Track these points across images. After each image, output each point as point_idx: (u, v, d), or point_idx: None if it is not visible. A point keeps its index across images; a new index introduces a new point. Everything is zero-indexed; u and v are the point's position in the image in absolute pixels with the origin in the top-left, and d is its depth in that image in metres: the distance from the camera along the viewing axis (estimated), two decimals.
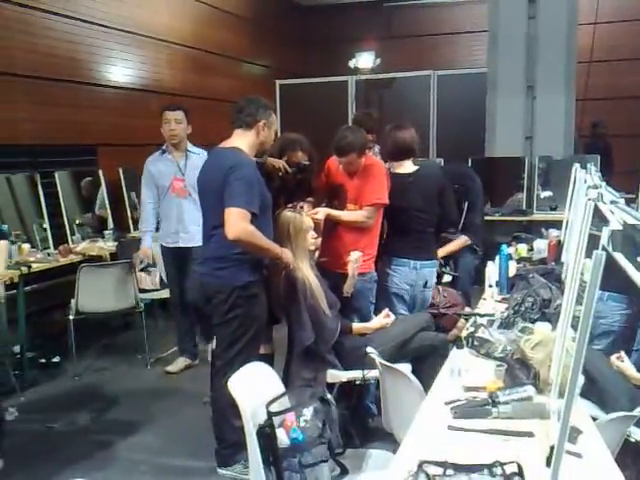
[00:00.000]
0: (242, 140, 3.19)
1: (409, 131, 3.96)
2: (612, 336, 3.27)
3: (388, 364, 2.73)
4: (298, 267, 3.28)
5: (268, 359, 3.36)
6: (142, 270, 5.11)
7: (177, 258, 4.85)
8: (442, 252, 4.61)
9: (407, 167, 3.96)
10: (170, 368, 4.98)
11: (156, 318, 6.07)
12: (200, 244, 4.15)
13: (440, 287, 4.32)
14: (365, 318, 3.71)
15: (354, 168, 3.74)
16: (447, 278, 4.56)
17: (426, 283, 3.93)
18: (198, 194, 3.42)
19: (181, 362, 5.05)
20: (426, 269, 3.91)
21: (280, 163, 3.56)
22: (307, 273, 3.28)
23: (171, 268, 4.98)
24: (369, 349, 2.97)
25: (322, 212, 3.62)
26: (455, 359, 2.60)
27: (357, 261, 3.55)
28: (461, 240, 4.84)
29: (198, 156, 4.76)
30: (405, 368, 2.77)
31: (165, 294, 5.50)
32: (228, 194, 2.99)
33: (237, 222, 2.97)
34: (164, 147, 4.89)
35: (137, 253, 5.01)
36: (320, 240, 3.60)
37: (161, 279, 5.59)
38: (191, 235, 4.69)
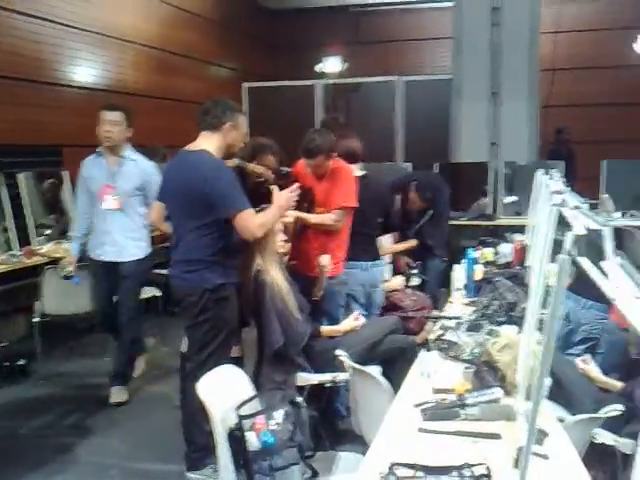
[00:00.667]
0: (209, 142, 3.17)
1: (353, 139, 4.16)
2: (589, 342, 3.34)
3: (358, 366, 2.75)
4: (267, 270, 3.26)
5: (238, 362, 3.36)
6: (66, 278, 4.52)
7: (106, 273, 4.43)
8: (389, 250, 4.78)
9: (355, 172, 4.01)
10: (112, 399, 4.46)
11: None
12: (133, 259, 4.29)
13: (408, 290, 4.40)
14: (335, 321, 3.72)
15: (322, 171, 3.76)
16: (416, 281, 4.62)
17: (376, 282, 4.06)
18: (164, 198, 3.38)
19: (117, 392, 4.50)
20: (375, 269, 4.06)
21: (262, 169, 3.59)
22: (276, 276, 3.27)
23: (98, 283, 4.54)
24: (339, 352, 2.98)
25: (291, 215, 3.62)
26: (424, 361, 2.63)
27: (327, 265, 3.57)
28: (410, 243, 5.03)
29: (134, 163, 4.39)
30: (375, 370, 2.79)
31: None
32: (222, 201, 3.02)
33: (251, 223, 3.06)
34: (99, 150, 4.43)
35: (63, 260, 4.67)
36: (289, 243, 3.61)
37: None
38: (119, 249, 4.36)
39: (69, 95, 6.38)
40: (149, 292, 5.65)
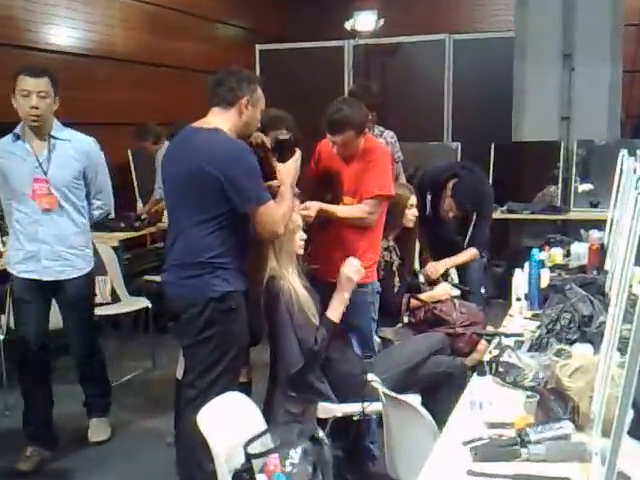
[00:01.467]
0: (222, 120, 3.20)
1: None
2: None
3: (394, 395, 2.75)
4: (282, 276, 3.28)
5: (245, 388, 3.39)
6: None
7: (40, 297, 4.10)
8: (451, 263, 4.83)
9: None
10: (20, 466, 4.09)
11: (106, 339, 6.03)
12: (80, 274, 4.13)
13: (457, 301, 4.38)
14: (365, 339, 3.74)
15: (351, 151, 3.75)
16: (454, 292, 4.61)
17: None
18: (164, 185, 3.43)
19: (30, 455, 4.14)
20: None
21: (259, 137, 3.57)
22: (294, 283, 3.29)
23: (26, 311, 4.13)
24: (370, 376, 2.99)
25: (313, 207, 3.61)
26: (475, 389, 2.61)
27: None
28: (471, 252, 5.00)
29: (69, 144, 4.02)
30: (414, 400, 2.81)
31: (118, 308, 5.54)
32: (243, 193, 3.08)
33: (274, 217, 3.13)
34: (18, 130, 4.00)
35: None
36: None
37: (113, 290, 5.60)
38: (61, 264, 4.04)
39: (45, 61, 6.43)
40: (137, 304, 5.72)
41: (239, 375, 3.35)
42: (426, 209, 4.94)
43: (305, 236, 3.47)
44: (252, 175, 3.11)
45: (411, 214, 4.28)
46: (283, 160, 3.39)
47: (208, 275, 3.15)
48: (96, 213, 4.23)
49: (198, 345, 3.21)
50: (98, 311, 5.47)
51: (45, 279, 4.03)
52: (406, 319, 4.30)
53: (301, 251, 3.48)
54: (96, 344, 4.47)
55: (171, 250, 3.28)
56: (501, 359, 2.81)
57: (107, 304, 5.62)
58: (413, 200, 4.30)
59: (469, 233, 5.00)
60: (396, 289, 4.26)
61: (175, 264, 3.24)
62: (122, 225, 6.30)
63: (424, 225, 4.71)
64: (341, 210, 3.76)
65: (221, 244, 3.14)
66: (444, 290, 4.48)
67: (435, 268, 4.71)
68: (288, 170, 3.30)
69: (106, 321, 5.91)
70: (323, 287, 3.58)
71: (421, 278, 4.67)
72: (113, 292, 5.64)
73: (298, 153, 3.38)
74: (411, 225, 4.30)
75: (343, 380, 3.35)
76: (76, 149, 4.04)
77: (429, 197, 5.02)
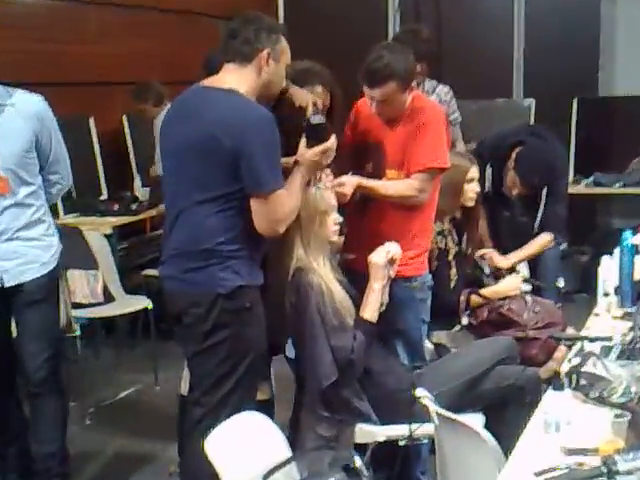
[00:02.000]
0: (238, 79, 3.18)
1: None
2: None
3: (449, 415, 2.74)
4: (312, 268, 3.30)
5: (265, 407, 3.38)
6: None
7: None
8: (523, 255, 4.77)
9: None
10: None
11: (98, 346, 6.13)
12: (43, 272, 3.85)
13: (529, 297, 4.35)
14: (414, 345, 3.75)
15: (394, 110, 3.71)
16: (525, 287, 4.57)
17: None
18: (162, 157, 3.42)
19: None
20: None
21: (309, 98, 3.52)
22: (326, 277, 3.31)
23: None
24: (420, 391, 2.98)
25: (349, 183, 3.57)
26: (551, 406, 2.60)
27: (397, 256, 3.50)
28: (544, 238, 4.90)
29: (12, 109, 3.81)
30: (475, 420, 2.82)
31: (113, 310, 5.59)
32: (255, 172, 3.06)
33: (280, 212, 3.12)
34: None
35: None
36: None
37: (106, 288, 5.63)
38: (20, 263, 3.83)
39: (18, 9, 6.46)
40: (135, 304, 5.73)
41: (256, 390, 3.35)
42: (485, 186, 4.89)
43: (341, 219, 3.47)
44: (270, 153, 3.09)
45: (471, 190, 4.25)
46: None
47: (215, 266, 3.13)
48: (54, 191, 4.06)
49: (205, 354, 3.20)
50: (88, 313, 5.55)
51: (7, 285, 3.82)
52: (465, 320, 4.27)
53: (335, 237, 3.48)
54: (58, 371, 4.05)
55: (169, 237, 3.29)
56: (584, 369, 2.78)
57: (99, 304, 5.64)
58: (474, 172, 4.27)
59: (539, 215, 4.94)
60: (453, 283, 4.25)
61: (174, 254, 3.25)
62: (116, 208, 6.28)
63: (483, 206, 4.68)
64: (384, 186, 3.71)
65: (231, 227, 3.12)
66: (514, 284, 4.45)
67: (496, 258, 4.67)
68: (307, 162, 3.26)
69: (99, 325, 5.98)
70: (361, 281, 3.53)
71: (485, 269, 4.62)
72: (106, 290, 5.66)
73: (332, 139, 3.29)
74: (471, 204, 4.28)
75: (387, 396, 3.36)
76: (23, 113, 3.82)
77: (489, 170, 4.98)
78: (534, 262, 5.02)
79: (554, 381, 2.82)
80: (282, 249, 3.32)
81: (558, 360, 3.76)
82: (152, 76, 7.06)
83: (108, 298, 5.65)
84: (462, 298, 4.26)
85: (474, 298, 4.30)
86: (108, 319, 5.84)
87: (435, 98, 5.56)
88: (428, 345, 4.07)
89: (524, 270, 4.87)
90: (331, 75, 3.85)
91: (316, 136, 3.32)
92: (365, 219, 3.80)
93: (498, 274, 4.62)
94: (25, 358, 3.92)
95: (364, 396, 3.34)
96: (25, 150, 3.79)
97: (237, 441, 2.46)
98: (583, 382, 2.72)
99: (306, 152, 3.26)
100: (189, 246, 3.19)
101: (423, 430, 3.10)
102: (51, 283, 3.95)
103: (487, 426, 3.05)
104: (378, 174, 3.78)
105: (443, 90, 5.87)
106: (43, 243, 3.89)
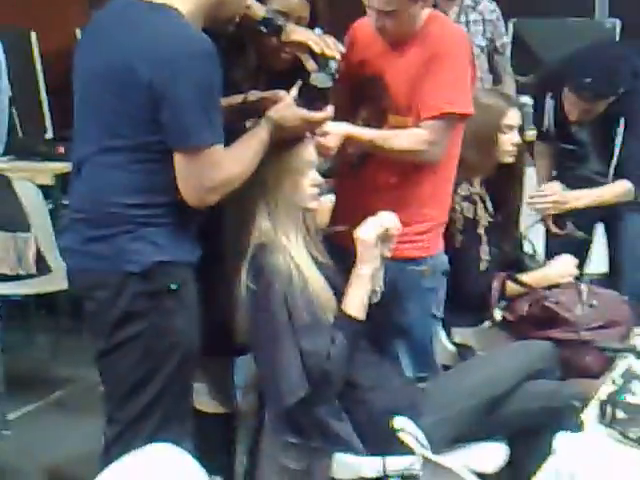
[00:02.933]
0: None
1: None
2: None
3: (429, 456, 2.69)
4: (280, 246, 3.27)
5: (220, 425, 3.47)
6: None
7: None
8: (588, 198, 4.66)
9: None
10: None
11: (30, 330, 6.19)
12: None
13: (584, 286, 4.28)
14: (420, 349, 3.78)
15: (401, 25, 3.66)
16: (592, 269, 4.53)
17: None
18: (74, 89, 3.33)
19: None
20: None
21: (312, 39, 3.52)
22: (299, 257, 3.29)
23: None
24: (400, 422, 2.95)
25: (335, 133, 3.52)
26: (567, 449, 2.57)
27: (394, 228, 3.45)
28: (622, 186, 4.79)
29: None
30: (494, 452, 2.97)
31: (49, 285, 5.59)
32: (180, 117, 3.01)
33: (214, 174, 3.04)
34: None
35: None
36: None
37: (40, 256, 5.62)
38: None
39: None
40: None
41: (189, 404, 3.35)
42: (543, 122, 4.87)
43: (322, 180, 3.44)
44: (204, 95, 3.01)
45: (509, 141, 4.19)
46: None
47: (123, 235, 3.08)
48: None
49: (114, 353, 3.16)
50: (15, 288, 5.57)
51: None
52: (499, 315, 4.23)
53: (313, 204, 3.44)
54: None
55: (71, 196, 3.29)
56: (624, 397, 2.72)
57: (31, 277, 5.70)
58: (513, 118, 4.21)
59: (614, 157, 4.83)
60: (484, 265, 4.21)
61: (76, 218, 3.22)
62: (62, 151, 6.16)
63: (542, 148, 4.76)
64: (383, 138, 3.67)
65: (149, 184, 3.07)
66: (566, 268, 4.38)
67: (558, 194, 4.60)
68: (282, 121, 3.25)
69: (32, 304, 5.99)
70: (352, 261, 3.48)
71: (527, 247, 4.55)
72: (40, 259, 5.69)
73: (328, 111, 3.33)
74: (510, 160, 4.23)
75: (376, 419, 3.31)
76: None
77: (550, 102, 4.93)
78: (612, 234, 5.04)
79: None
80: (237, 217, 3.31)
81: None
82: None
83: (43, 269, 5.68)
84: (495, 285, 4.21)
85: (511, 285, 4.26)
86: (46, 296, 5.85)
87: (477, 17, 5.51)
88: (449, 346, 4.10)
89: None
90: None
91: (310, 97, 3.43)
92: (358, 181, 3.79)
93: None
94: None
95: (345, 417, 3.30)
96: None
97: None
98: (621, 415, 2.68)
99: (286, 108, 3.26)
100: (92, 207, 3.15)
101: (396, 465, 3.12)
102: None
103: (512, 460, 3.02)
104: (377, 120, 3.76)
105: (488, 7, 5.84)
106: None
